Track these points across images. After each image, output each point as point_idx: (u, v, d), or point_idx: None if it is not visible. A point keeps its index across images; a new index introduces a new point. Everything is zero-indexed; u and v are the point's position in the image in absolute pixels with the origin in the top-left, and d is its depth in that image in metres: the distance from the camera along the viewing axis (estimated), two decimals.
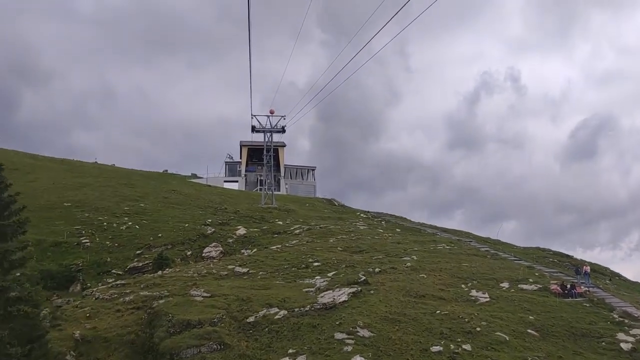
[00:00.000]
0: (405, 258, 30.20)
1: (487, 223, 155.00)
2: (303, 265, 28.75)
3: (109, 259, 35.25)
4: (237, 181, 75.84)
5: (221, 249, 38.30)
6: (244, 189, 72.92)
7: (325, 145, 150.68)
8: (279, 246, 35.39)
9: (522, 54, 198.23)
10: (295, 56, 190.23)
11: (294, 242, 36.59)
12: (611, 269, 40.58)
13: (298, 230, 40.77)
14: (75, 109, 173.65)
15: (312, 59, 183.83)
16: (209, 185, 65.11)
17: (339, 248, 33.34)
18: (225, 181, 74.61)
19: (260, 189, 67.65)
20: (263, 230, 41.88)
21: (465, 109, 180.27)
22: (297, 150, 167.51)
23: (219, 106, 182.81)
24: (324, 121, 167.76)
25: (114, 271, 34.25)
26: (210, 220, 43.12)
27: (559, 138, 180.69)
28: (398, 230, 44.42)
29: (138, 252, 36.25)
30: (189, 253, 37.54)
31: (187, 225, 41.16)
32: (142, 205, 45.26)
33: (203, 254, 37.67)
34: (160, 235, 38.70)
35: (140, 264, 34.65)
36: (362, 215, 53.84)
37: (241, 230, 41.63)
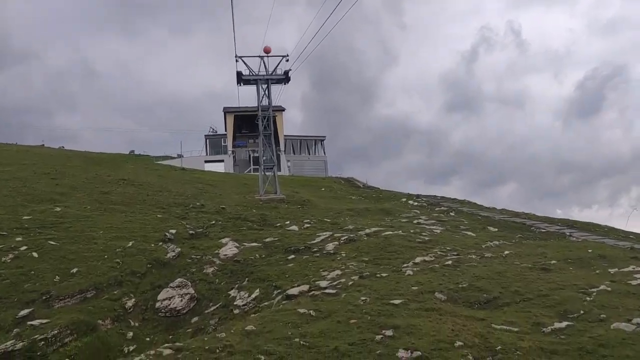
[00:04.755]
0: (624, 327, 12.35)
1: (485, 188, 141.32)
2: None
3: None
4: (222, 160, 57.82)
5: (192, 291, 20.46)
6: (231, 171, 54.94)
7: (318, 114, 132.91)
8: (305, 289, 17.37)
9: (522, 7, 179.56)
10: (282, 21, 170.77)
11: (333, 274, 18.59)
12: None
13: (331, 245, 22.83)
14: (52, 89, 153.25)
15: (300, 23, 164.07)
16: (183, 169, 46.92)
17: (437, 294, 15.33)
18: (206, 161, 56.60)
19: (255, 171, 49.84)
20: (266, 244, 24.04)
21: (463, 68, 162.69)
22: (289, 120, 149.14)
23: (210, 77, 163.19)
24: (315, 89, 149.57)
25: None
26: (174, 231, 25.20)
27: (562, 94, 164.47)
28: (493, 229, 26.73)
29: (24, 311, 18.28)
30: (129, 304, 19.67)
31: (130, 244, 23.16)
32: (59, 209, 27.13)
33: (157, 305, 19.82)
34: (75, 270, 20.72)
35: (19, 345, 16.75)
36: (411, 202, 36.04)
37: (229, 248, 23.78)
